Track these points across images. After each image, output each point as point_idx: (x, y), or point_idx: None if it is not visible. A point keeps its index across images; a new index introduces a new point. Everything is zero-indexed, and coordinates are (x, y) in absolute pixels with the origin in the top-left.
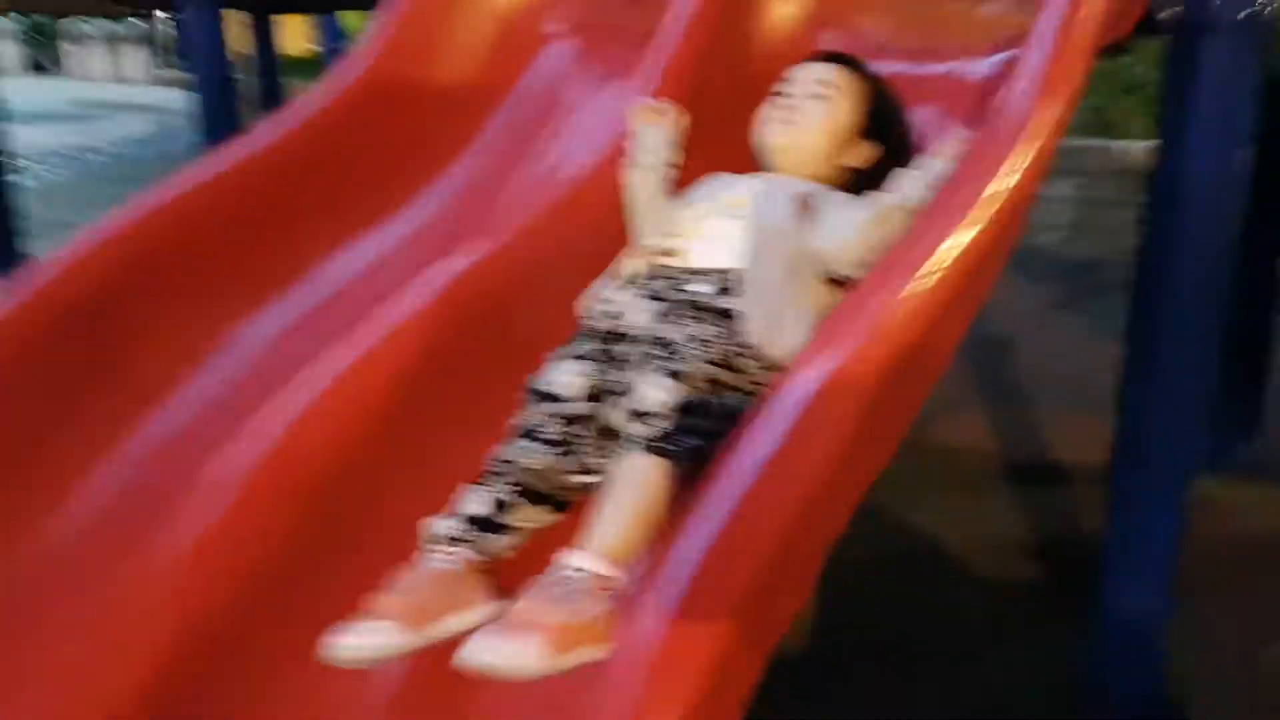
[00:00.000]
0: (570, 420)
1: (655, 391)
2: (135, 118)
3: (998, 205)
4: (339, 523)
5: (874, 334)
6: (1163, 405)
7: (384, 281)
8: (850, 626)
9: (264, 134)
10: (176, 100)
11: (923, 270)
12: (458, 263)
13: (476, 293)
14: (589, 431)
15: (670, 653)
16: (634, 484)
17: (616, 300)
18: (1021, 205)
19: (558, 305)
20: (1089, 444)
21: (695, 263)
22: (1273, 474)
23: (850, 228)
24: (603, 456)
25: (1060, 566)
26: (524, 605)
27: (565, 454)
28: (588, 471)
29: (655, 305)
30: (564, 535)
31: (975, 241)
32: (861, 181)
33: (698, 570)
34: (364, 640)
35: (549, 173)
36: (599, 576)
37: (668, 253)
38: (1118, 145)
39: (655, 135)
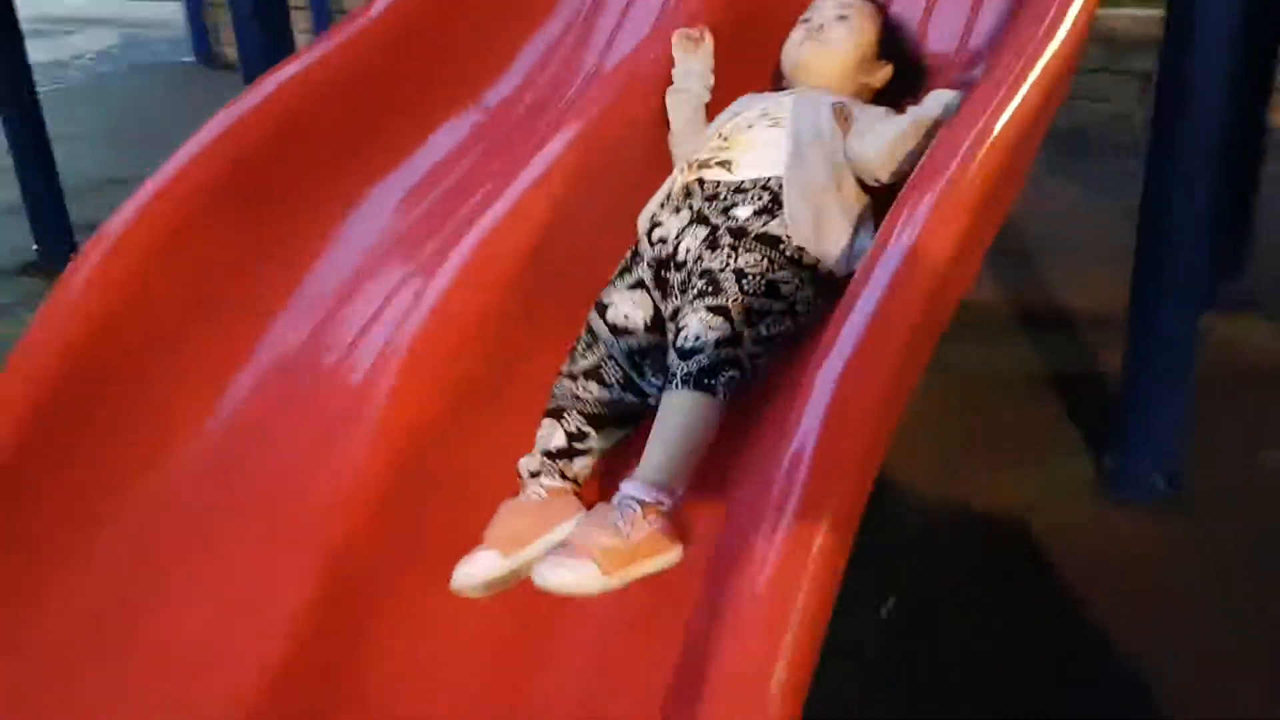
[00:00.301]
0: (630, 354)
1: (699, 327)
2: (102, 32)
3: (1045, 71)
4: (488, 388)
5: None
6: (1180, 247)
7: (483, 153)
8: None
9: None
10: (140, 10)
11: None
12: (555, 145)
13: (575, 170)
14: (648, 359)
15: (798, 539)
16: (678, 418)
17: (666, 223)
18: (1067, 67)
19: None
20: (1096, 293)
21: (742, 174)
22: (1258, 307)
23: (889, 136)
24: (660, 378)
25: (1079, 395)
26: (579, 532)
27: (625, 388)
28: (647, 396)
29: (703, 230)
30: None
31: (1033, 97)
32: (879, 100)
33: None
34: (472, 568)
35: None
36: (645, 503)
37: (719, 164)
38: (1103, 13)
39: (693, 61)
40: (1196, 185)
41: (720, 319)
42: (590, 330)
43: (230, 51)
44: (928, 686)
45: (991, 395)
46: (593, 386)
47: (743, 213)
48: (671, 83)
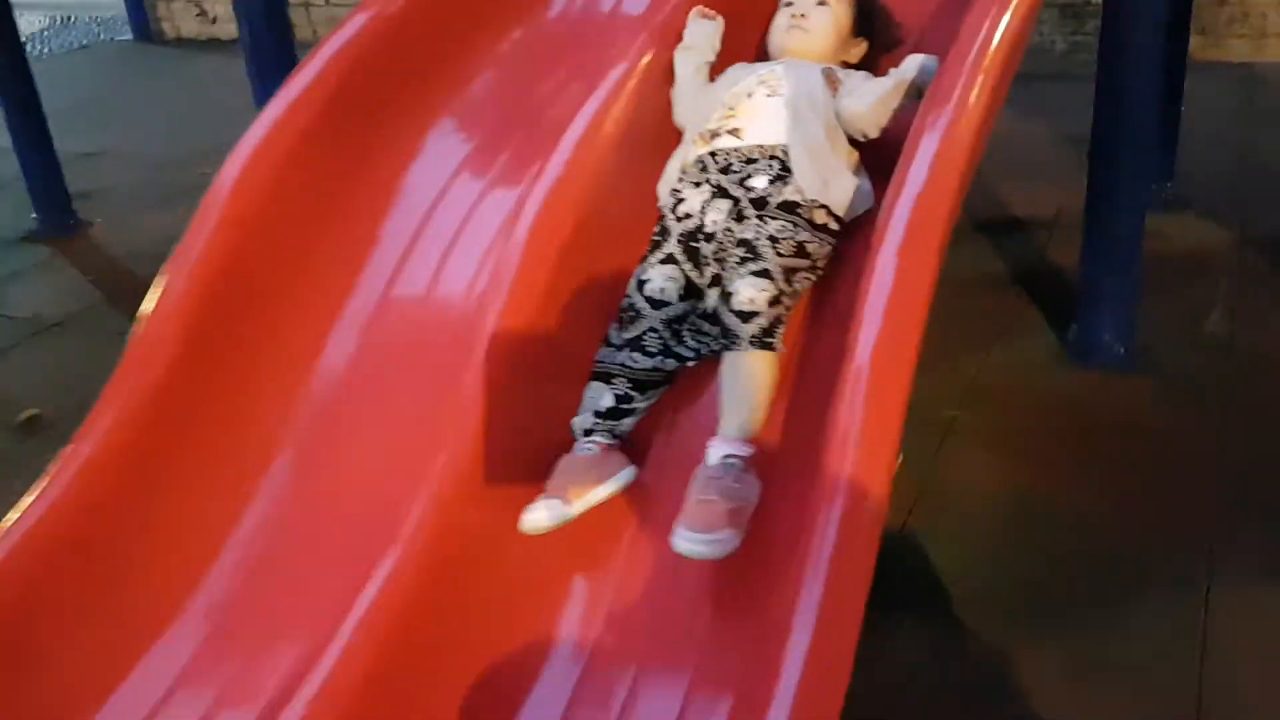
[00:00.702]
0: (669, 323)
1: (751, 291)
2: (33, 16)
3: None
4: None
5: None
6: (1127, 158)
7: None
8: None
9: None
10: None
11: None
12: (594, 101)
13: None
14: (685, 324)
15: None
16: (749, 376)
17: (689, 199)
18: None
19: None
20: (1039, 204)
21: (750, 140)
22: (1186, 206)
23: (875, 95)
24: (700, 339)
25: (1035, 288)
26: (701, 499)
27: (666, 356)
28: (685, 358)
29: (725, 204)
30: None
31: (1002, 51)
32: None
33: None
34: (539, 514)
35: None
36: (745, 458)
37: (729, 133)
38: None
39: (705, 29)
40: (1140, 107)
41: (766, 281)
42: (631, 304)
43: (169, 27)
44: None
45: (958, 292)
46: (637, 355)
47: (759, 183)
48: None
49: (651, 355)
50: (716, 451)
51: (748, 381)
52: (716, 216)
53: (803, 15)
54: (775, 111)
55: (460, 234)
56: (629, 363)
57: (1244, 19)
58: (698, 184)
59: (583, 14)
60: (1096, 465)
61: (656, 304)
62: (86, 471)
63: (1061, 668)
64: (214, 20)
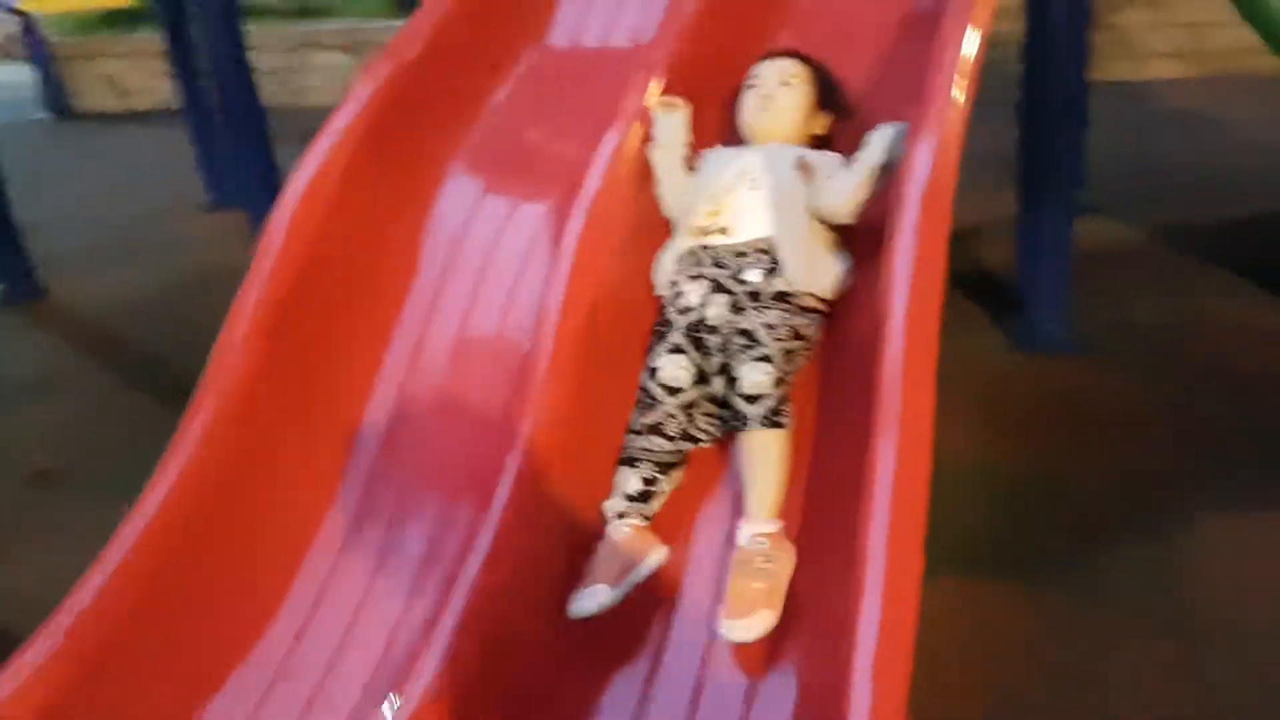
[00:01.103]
0: (686, 407)
1: (757, 376)
2: None
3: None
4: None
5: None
6: (1055, 170)
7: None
8: None
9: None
10: None
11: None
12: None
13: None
14: (699, 409)
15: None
16: (765, 455)
17: (688, 292)
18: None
19: None
20: (965, 214)
21: (738, 237)
22: (1098, 210)
23: (849, 189)
24: (711, 422)
25: (975, 289)
26: (740, 585)
27: (683, 439)
28: (699, 439)
29: (724, 298)
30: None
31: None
32: (821, 143)
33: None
34: (587, 601)
35: None
36: (772, 535)
37: (718, 230)
38: None
39: (671, 122)
40: (1067, 125)
41: (768, 365)
42: (647, 391)
43: (82, 102)
44: None
45: None
46: (656, 440)
47: (752, 277)
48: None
49: (671, 439)
50: (746, 533)
51: (764, 460)
52: (717, 310)
53: (769, 96)
54: (758, 207)
55: (488, 264)
56: (650, 447)
57: (1124, 43)
58: (695, 277)
59: (586, 48)
60: (1054, 433)
61: (671, 390)
62: (173, 497)
63: (1056, 604)
64: (127, 94)
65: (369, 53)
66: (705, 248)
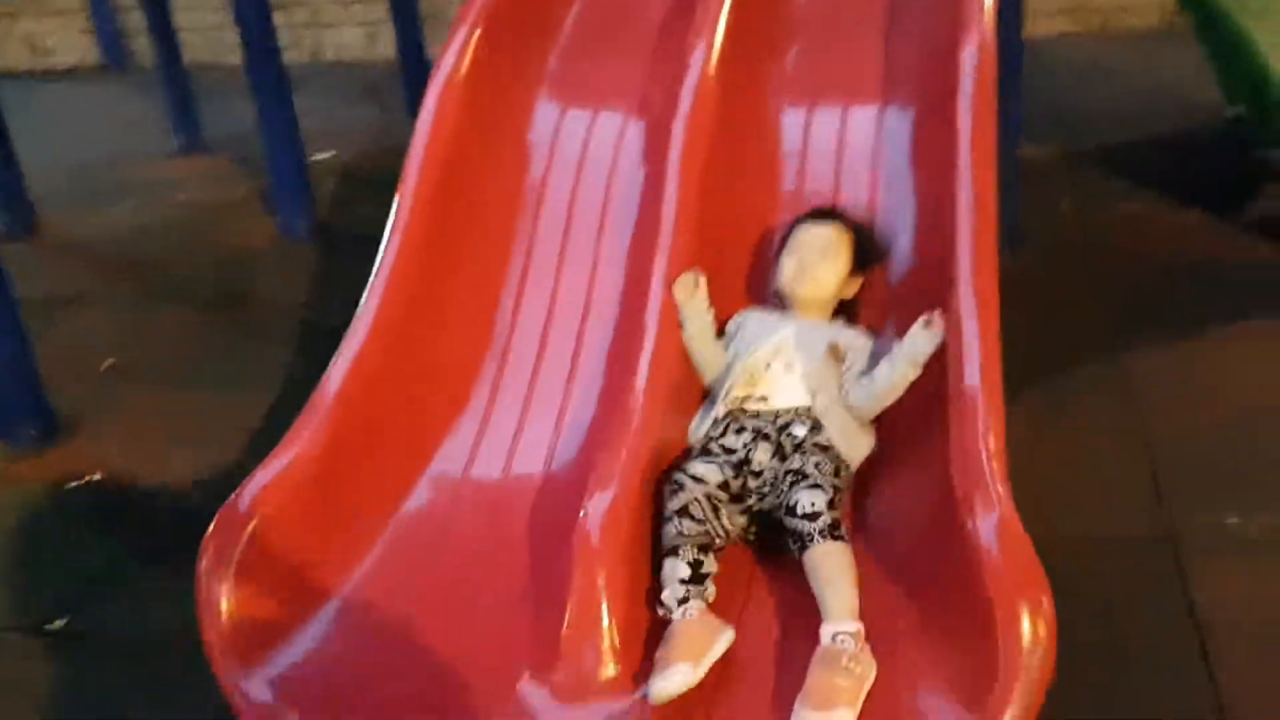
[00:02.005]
0: (710, 499)
1: (811, 497)
2: None
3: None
4: None
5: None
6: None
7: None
8: None
9: None
10: None
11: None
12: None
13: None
14: (725, 509)
15: None
16: (835, 562)
17: (731, 440)
18: None
19: None
20: None
21: (778, 404)
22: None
23: (876, 396)
24: (737, 521)
25: None
26: (824, 679)
27: (714, 520)
28: (729, 530)
29: (768, 445)
30: None
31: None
32: (848, 305)
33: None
34: (670, 682)
35: None
36: (854, 633)
37: (758, 399)
38: None
39: (694, 305)
40: (1011, 68)
41: (820, 492)
42: (676, 482)
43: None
44: None
45: None
46: (686, 523)
47: (799, 431)
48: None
49: (699, 521)
50: (829, 631)
51: (835, 566)
52: (761, 456)
53: (808, 267)
54: (796, 385)
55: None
56: (683, 530)
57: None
58: (739, 431)
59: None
60: (1007, 311)
61: (697, 480)
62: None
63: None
64: (51, 51)
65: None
66: (744, 411)
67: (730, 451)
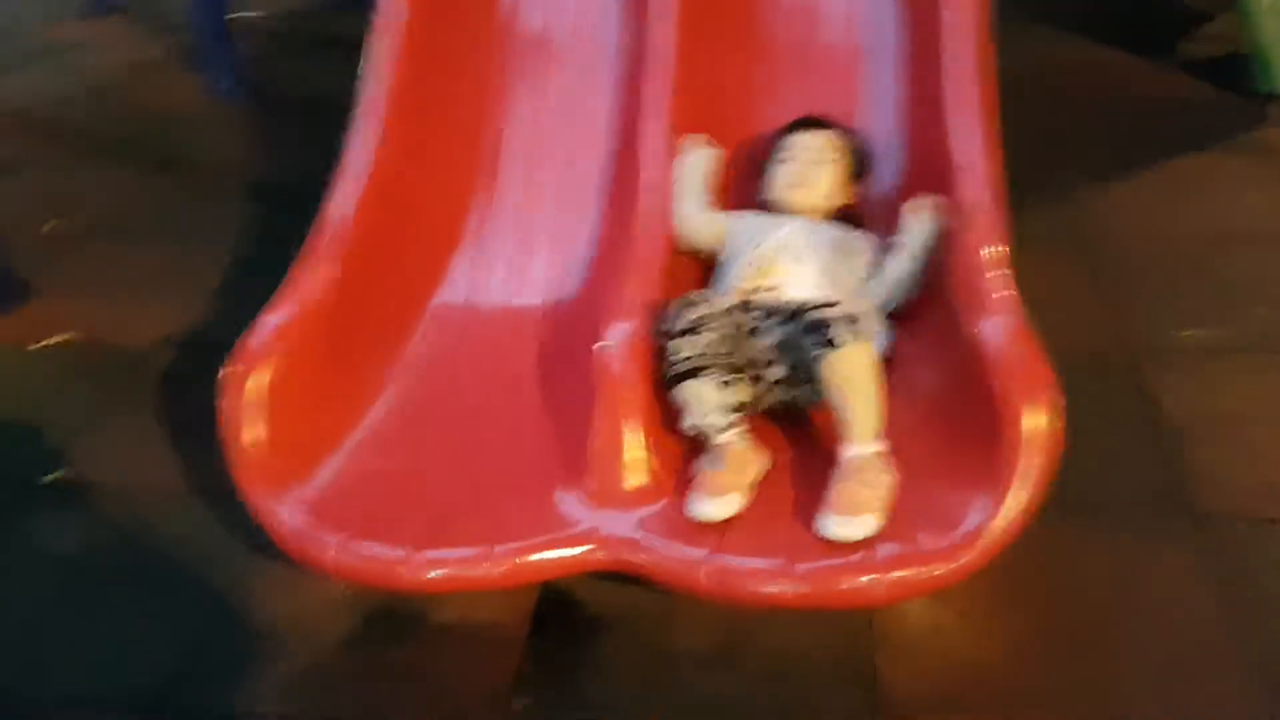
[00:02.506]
0: (731, 318)
1: (830, 311)
2: None
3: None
4: None
5: None
6: None
7: None
8: None
9: None
10: None
11: None
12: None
13: None
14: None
15: None
16: (859, 372)
17: (743, 319)
18: None
19: None
20: None
21: (790, 295)
22: None
23: (897, 288)
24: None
25: None
26: (849, 488)
27: (737, 344)
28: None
29: (780, 326)
30: None
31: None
32: (848, 210)
33: None
34: (720, 508)
35: None
36: (881, 453)
37: (766, 290)
38: None
39: (701, 150)
40: None
41: (838, 308)
42: (689, 302)
43: None
44: None
45: None
46: (707, 336)
47: (814, 315)
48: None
49: (716, 334)
50: (849, 451)
51: (860, 377)
52: (770, 325)
53: (804, 173)
54: (808, 276)
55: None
56: (701, 348)
57: None
58: (747, 310)
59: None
60: None
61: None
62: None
63: None
64: None
65: None
66: (748, 304)
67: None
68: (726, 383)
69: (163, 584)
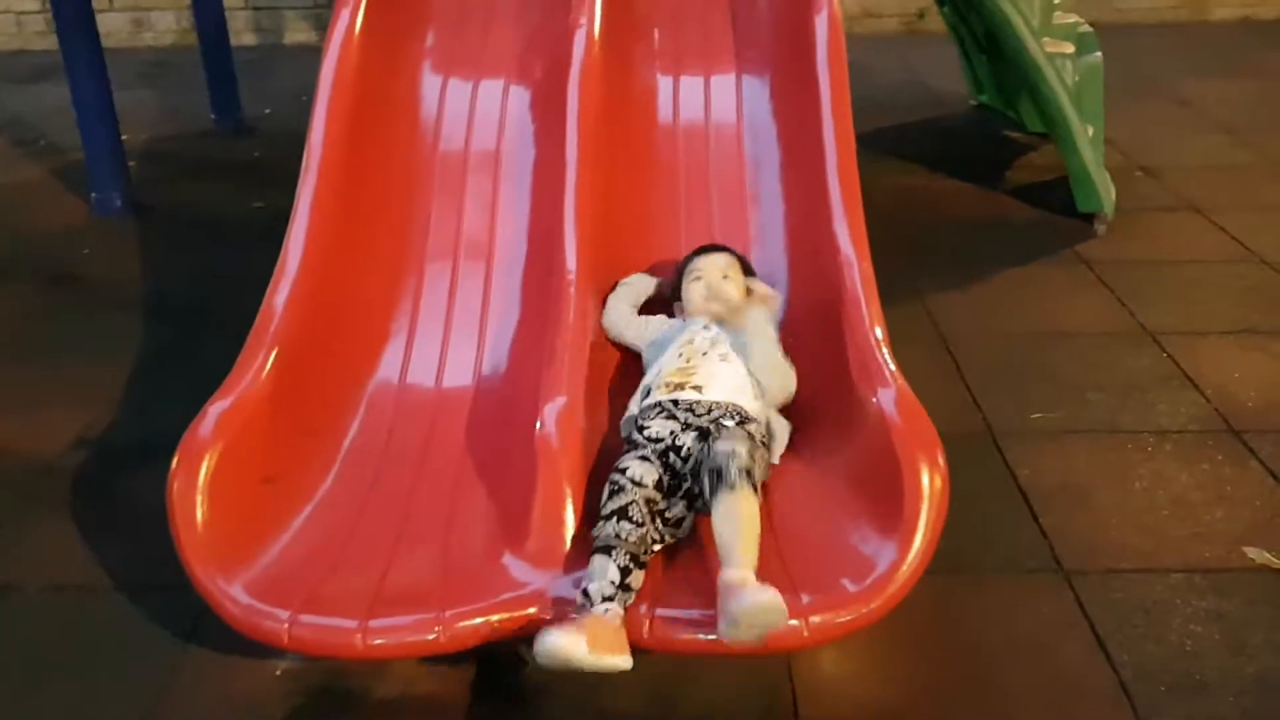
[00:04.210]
0: (649, 503)
1: (731, 442)
2: None
3: None
4: None
5: None
6: None
7: None
8: None
9: None
10: None
11: None
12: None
13: None
14: (660, 517)
15: None
16: (741, 513)
17: (656, 428)
18: None
19: None
20: None
21: (710, 395)
22: None
23: (762, 372)
24: (671, 532)
25: None
26: (732, 609)
27: (652, 525)
28: (663, 538)
29: (694, 433)
30: None
31: None
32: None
33: None
34: (559, 647)
35: None
36: (751, 578)
37: (692, 387)
38: None
39: (639, 278)
40: None
41: (741, 442)
42: (615, 484)
43: None
44: None
45: None
46: (625, 525)
47: (728, 422)
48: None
49: (639, 525)
50: (728, 575)
51: (741, 518)
52: (688, 441)
53: (716, 289)
54: (730, 377)
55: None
56: (621, 533)
57: None
58: (667, 418)
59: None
60: None
61: (636, 484)
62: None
63: None
64: None
65: None
66: (676, 402)
67: (657, 440)
68: (624, 568)
69: (93, 680)
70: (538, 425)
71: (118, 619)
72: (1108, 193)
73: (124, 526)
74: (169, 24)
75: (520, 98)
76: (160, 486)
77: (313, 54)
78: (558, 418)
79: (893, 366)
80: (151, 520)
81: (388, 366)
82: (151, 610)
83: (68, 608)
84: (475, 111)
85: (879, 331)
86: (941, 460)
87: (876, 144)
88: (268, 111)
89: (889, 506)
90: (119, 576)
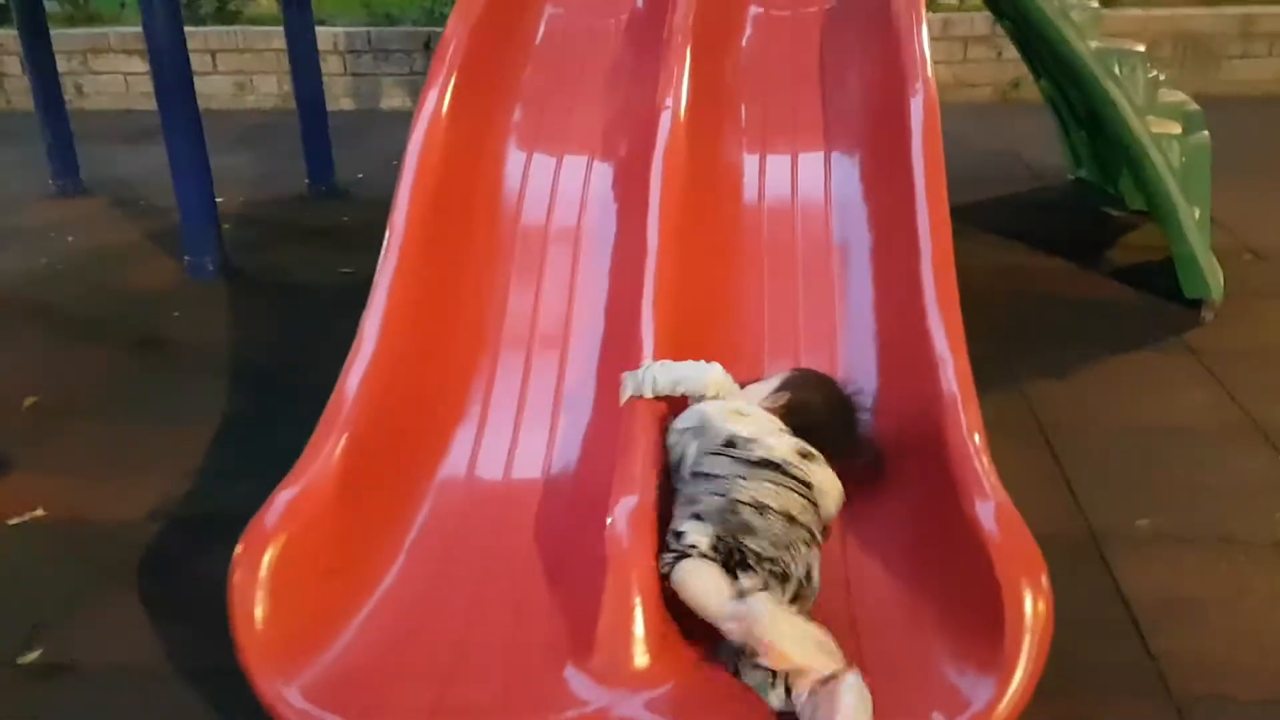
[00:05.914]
0: None
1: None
2: None
3: None
4: None
5: None
6: None
7: None
8: None
9: None
10: None
11: None
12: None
13: None
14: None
15: None
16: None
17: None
18: None
19: None
20: None
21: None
22: None
23: None
24: None
25: None
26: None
27: None
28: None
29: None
30: None
31: None
32: None
33: None
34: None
35: None
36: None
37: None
38: None
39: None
40: None
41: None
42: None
43: None
44: None
45: None
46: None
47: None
48: None
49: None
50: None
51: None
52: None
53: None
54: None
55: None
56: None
57: None
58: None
59: None
60: None
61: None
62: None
63: None
64: None
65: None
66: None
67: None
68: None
69: None
70: (608, 521)
71: (179, 706)
72: (1215, 277)
73: (192, 605)
74: (271, 87)
75: (603, 175)
76: (228, 565)
77: (406, 119)
78: (630, 516)
79: (993, 478)
80: (219, 600)
81: (457, 455)
82: (214, 697)
83: (127, 692)
84: (557, 189)
85: (977, 438)
86: (1045, 582)
87: (970, 218)
88: (360, 176)
89: (987, 634)
90: (183, 659)
